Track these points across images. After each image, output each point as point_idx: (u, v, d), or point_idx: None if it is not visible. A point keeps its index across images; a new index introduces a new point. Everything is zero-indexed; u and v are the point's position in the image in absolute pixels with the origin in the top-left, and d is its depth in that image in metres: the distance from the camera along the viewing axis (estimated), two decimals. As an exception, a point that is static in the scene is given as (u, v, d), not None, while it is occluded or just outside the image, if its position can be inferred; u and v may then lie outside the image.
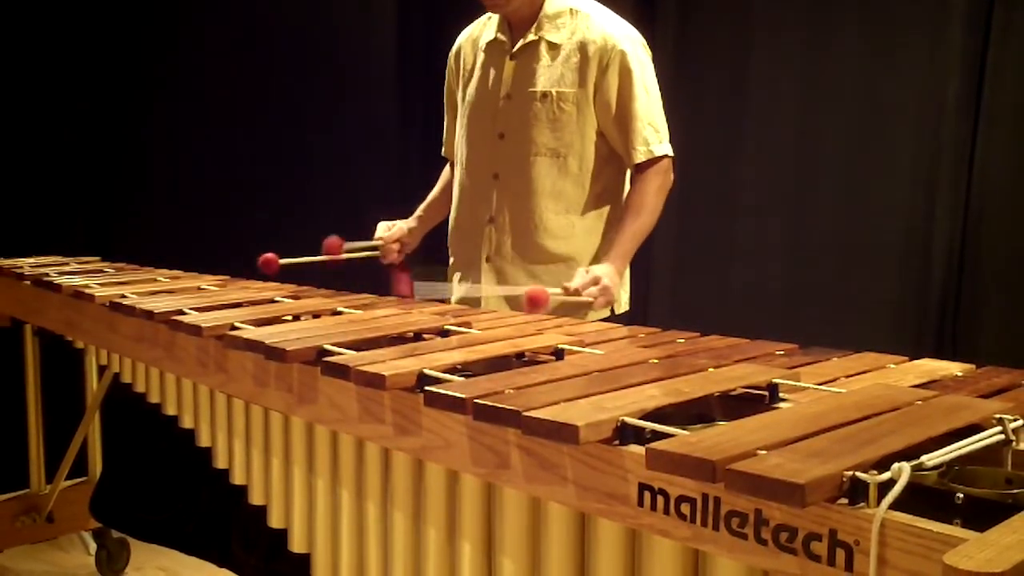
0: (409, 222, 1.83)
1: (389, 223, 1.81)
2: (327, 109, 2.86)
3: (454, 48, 1.78)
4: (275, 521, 1.23)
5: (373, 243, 1.77)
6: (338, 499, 1.10)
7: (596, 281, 1.52)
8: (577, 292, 1.50)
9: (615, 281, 1.55)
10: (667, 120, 1.65)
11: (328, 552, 1.14)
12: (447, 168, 1.88)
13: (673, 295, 2.42)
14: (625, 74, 1.58)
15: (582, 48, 1.59)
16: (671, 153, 1.63)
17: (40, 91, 2.55)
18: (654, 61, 1.68)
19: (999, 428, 0.74)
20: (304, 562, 1.18)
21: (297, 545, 1.19)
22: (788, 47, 2.21)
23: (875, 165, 2.10)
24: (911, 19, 2.03)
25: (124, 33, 2.67)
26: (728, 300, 2.31)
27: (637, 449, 0.75)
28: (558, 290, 1.51)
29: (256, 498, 1.26)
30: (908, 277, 2.06)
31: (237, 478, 1.31)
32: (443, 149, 1.86)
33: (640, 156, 1.60)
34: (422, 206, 1.86)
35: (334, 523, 1.12)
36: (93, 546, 2.35)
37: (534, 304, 1.45)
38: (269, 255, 1.71)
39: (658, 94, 1.64)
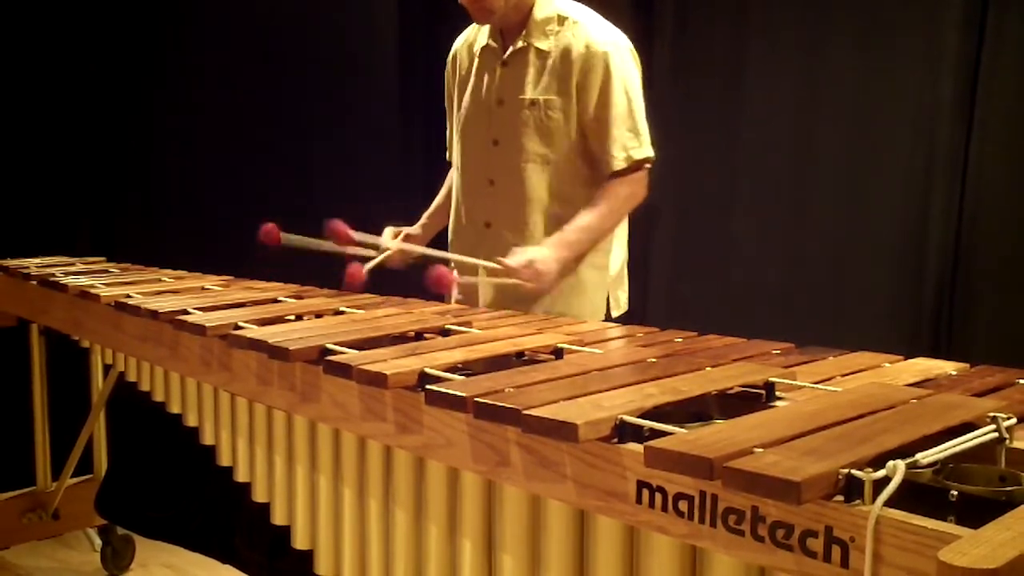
0: (414, 228, 1.81)
1: (395, 229, 1.78)
2: (329, 110, 2.87)
3: (451, 53, 1.78)
4: (278, 518, 1.24)
5: (379, 244, 1.70)
6: (340, 496, 1.11)
7: (530, 264, 1.48)
8: (510, 271, 1.48)
9: (550, 267, 1.49)
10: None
11: (330, 548, 1.15)
12: (451, 172, 1.88)
13: (671, 295, 2.42)
14: (605, 79, 1.56)
15: (566, 55, 1.58)
16: (650, 154, 1.59)
17: (44, 92, 2.57)
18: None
19: (993, 426, 0.74)
20: (307, 558, 1.19)
21: (300, 542, 1.20)
22: (784, 51, 2.22)
23: (870, 167, 2.11)
24: (906, 23, 2.03)
25: (128, 35, 2.68)
26: (725, 300, 2.32)
27: (636, 447, 0.75)
28: (475, 279, 1.50)
29: (259, 495, 1.27)
30: (903, 277, 2.06)
31: (241, 476, 1.32)
32: (447, 154, 1.86)
33: (619, 163, 1.55)
34: (427, 212, 1.85)
35: (336, 520, 1.13)
36: (98, 543, 2.36)
37: (438, 284, 1.45)
38: (270, 225, 1.62)
39: (641, 101, 1.60)
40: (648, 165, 1.61)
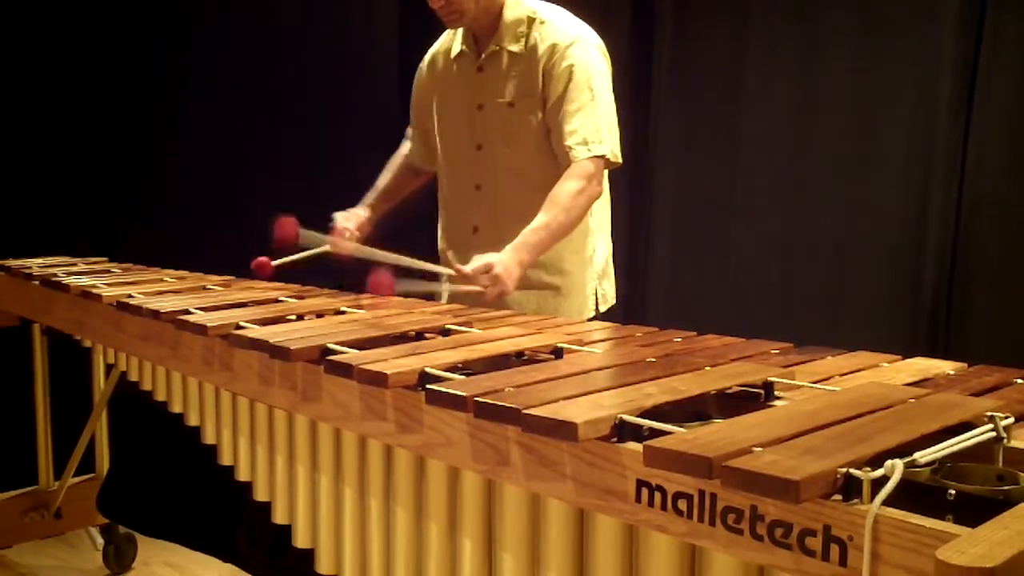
0: (363, 211, 1.77)
1: (346, 213, 1.74)
2: (331, 110, 2.88)
3: (427, 58, 1.76)
4: (279, 517, 1.25)
5: (322, 249, 1.65)
6: (341, 495, 1.11)
7: (488, 269, 1.43)
8: (467, 278, 1.44)
9: (510, 272, 1.44)
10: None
11: (331, 547, 1.15)
12: (399, 159, 1.85)
13: (670, 295, 2.43)
14: (568, 74, 1.54)
15: (535, 56, 1.57)
16: (607, 152, 1.54)
17: (46, 92, 2.57)
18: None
19: (990, 425, 0.74)
20: (308, 557, 1.19)
21: (301, 540, 1.21)
22: (783, 51, 2.22)
23: (869, 167, 2.11)
24: (904, 23, 2.04)
25: (130, 34, 2.69)
26: (724, 300, 2.32)
27: (635, 446, 0.75)
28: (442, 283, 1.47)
29: (261, 494, 1.28)
30: (901, 277, 2.07)
31: (242, 475, 1.32)
32: (405, 145, 1.83)
33: (578, 156, 1.51)
34: (372, 196, 1.81)
35: (337, 519, 1.13)
36: (101, 542, 2.37)
37: (378, 289, 1.42)
38: (262, 259, 1.65)
39: (607, 98, 1.57)
40: (609, 159, 1.56)
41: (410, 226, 2.09)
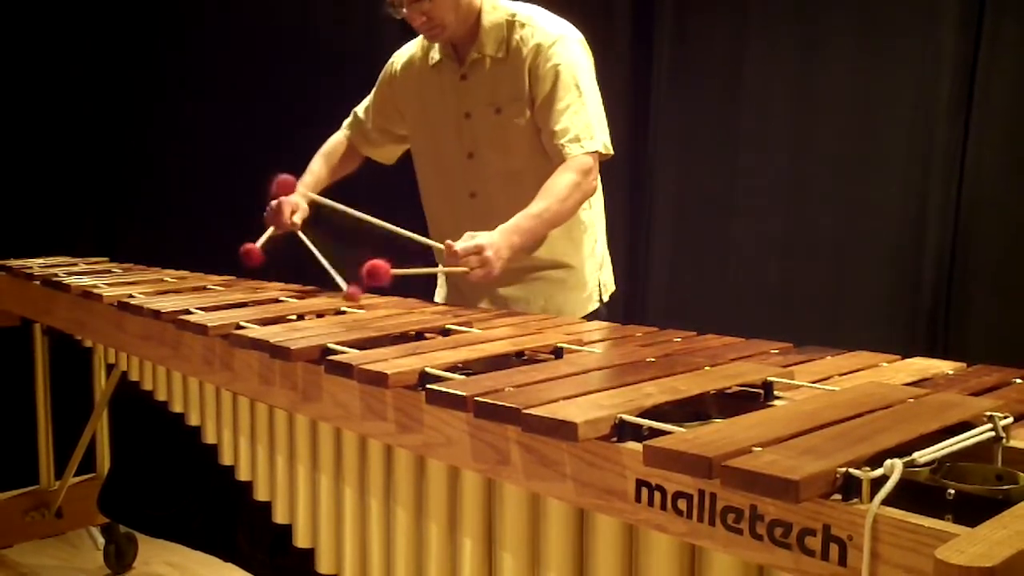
0: (299, 197, 1.76)
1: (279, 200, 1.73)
2: (331, 109, 2.88)
3: (402, 60, 1.74)
4: (280, 516, 1.25)
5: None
6: (341, 495, 1.11)
7: (479, 250, 1.42)
8: (456, 256, 1.43)
9: (499, 254, 1.43)
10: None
11: (332, 546, 1.15)
12: (339, 144, 1.85)
13: (670, 295, 2.43)
14: (554, 72, 1.54)
15: (519, 58, 1.57)
16: (599, 147, 1.56)
17: (46, 92, 2.57)
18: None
19: (989, 425, 0.75)
20: (308, 556, 1.19)
21: (301, 540, 1.21)
22: (783, 51, 2.22)
23: (868, 167, 2.11)
24: (904, 23, 2.04)
25: (130, 34, 2.69)
26: (724, 300, 2.32)
27: (635, 446, 0.76)
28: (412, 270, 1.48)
29: (261, 494, 1.28)
30: (900, 278, 2.07)
31: (242, 474, 1.32)
32: (346, 121, 1.82)
33: (572, 153, 1.52)
34: (311, 182, 1.80)
35: (338, 518, 1.13)
36: (101, 541, 2.37)
37: (373, 277, 1.41)
38: (251, 246, 1.64)
39: (594, 93, 1.58)
40: (602, 153, 1.57)
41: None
